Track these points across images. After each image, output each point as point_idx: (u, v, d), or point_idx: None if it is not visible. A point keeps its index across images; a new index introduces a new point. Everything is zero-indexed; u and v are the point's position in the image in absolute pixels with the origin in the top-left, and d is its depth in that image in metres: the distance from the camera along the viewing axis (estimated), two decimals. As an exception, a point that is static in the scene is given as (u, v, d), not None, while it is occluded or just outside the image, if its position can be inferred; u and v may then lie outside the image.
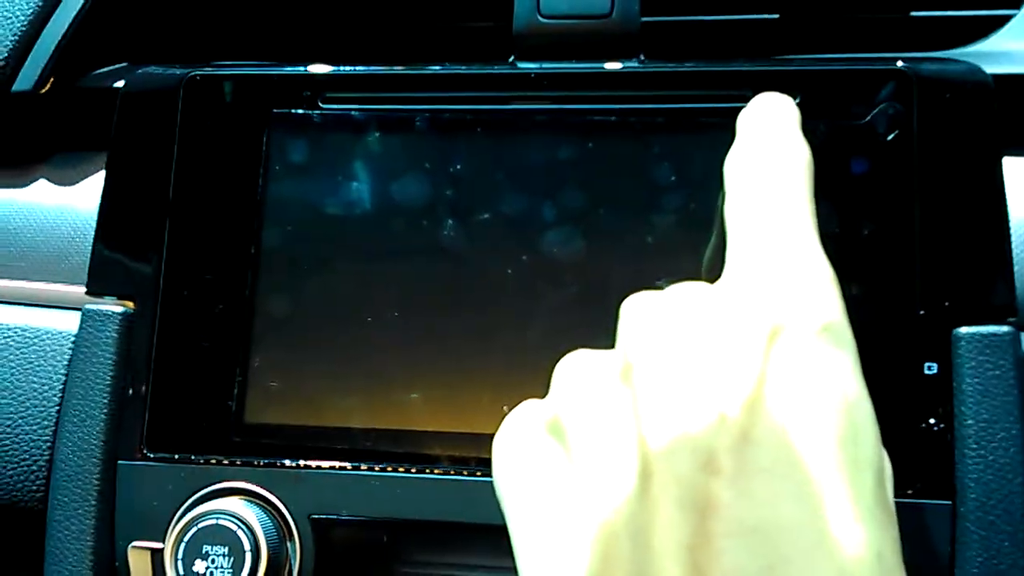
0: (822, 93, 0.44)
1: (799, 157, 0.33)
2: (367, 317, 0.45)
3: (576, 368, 0.31)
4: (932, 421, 0.41)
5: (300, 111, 0.48)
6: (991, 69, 0.45)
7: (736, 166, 0.34)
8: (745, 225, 0.32)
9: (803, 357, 0.28)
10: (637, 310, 0.31)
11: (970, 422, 0.40)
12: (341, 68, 0.49)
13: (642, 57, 0.49)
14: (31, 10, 0.54)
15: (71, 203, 0.53)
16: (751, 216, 0.32)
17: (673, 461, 0.27)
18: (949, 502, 0.40)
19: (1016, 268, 0.43)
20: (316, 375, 0.45)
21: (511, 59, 0.50)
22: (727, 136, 0.36)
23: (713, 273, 0.38)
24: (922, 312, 0.42)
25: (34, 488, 0.48)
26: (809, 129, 0.43)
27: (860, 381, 0.29)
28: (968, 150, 0.43)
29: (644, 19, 0.49)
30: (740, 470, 0.27)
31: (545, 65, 0.48)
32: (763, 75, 0.45)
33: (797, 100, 0.43)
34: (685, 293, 0.31)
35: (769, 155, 0.33)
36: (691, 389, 0.28)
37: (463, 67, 0.48)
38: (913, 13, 0.52)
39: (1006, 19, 0.50)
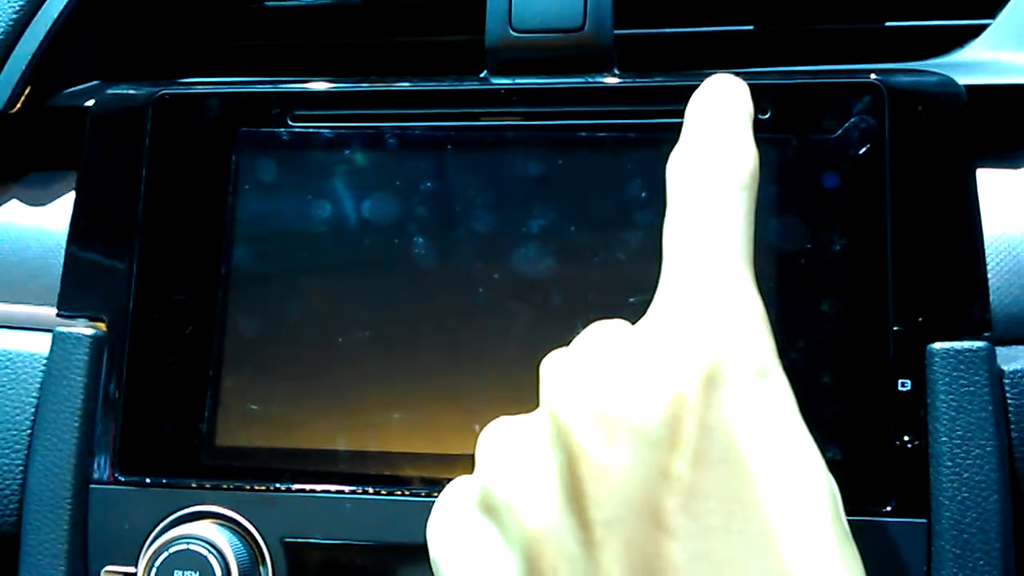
0: (793, 107, 0.44)
1: (742, 167, 0.31)
2: (338, 337, 0.45)
3: (501, 438, 0.30)
4: (906, 438, 0.41)
5: (269, 129, 0.47)
6: (966, 79, 0.45)
7: (677, 172, 0.32)
8: (677, 251, 0.30)
9: (741, 402, 0.27)
10: (558, 367, 0.30)
11: (944, 439, 0.40)
12: (310, 85, 0.48)
13: (616, 71, 0.49)
14: (1, 30, 0.53)
15: (43, 223, 0.53)
16: (684, 241, 0.30)
17: (620, 527, 0.26)
18: (924, 520, 0.40)
19: (991, 282, 0.43)
20: (287, 396, 0.45)
21: (483, 73, 0.50)
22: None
23: None
24: (895, 328, 0.41)
25: (7, 513, 0.48)
26: (780, 143, 0.43)
27: (799, 418, 0.28)
28: (941, 163, 0.43)
29: (617, 32, 0.49)
30: (692, 529, 0.25)
31: (517, 80, 0.48)
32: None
33: (767, 115, 0.44)
34: (607, 342, 0.29)
35: (711, 163, 0.31)
36: (629, 448, 0.26)
37: (434, 83, 0.48)
38: (888, 23, 0.51)
39: (981, 29, 0.49)
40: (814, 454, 0.27)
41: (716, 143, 0.32)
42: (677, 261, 0.30)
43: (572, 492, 0.27)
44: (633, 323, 0.31)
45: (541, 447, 0.28)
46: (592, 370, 0.28)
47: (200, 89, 0.49)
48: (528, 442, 0.29)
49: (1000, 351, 0.42)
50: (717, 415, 0.26)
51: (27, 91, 0.54)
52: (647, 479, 0.26)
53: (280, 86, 0.48)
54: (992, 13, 0.50)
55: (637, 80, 0.47)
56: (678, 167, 0.32)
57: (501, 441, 0.30)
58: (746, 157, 0.32)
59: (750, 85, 0.44)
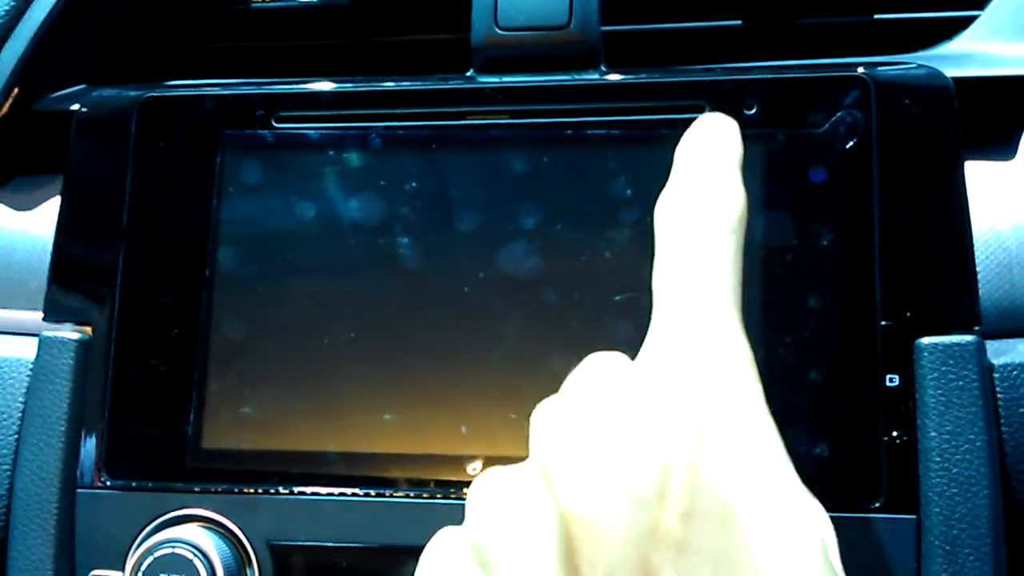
0: (780, 101, 0.43)
1: (730, 211, 0.31)
2: (324, 339, 0.45)
3: (492, 489, 0.29)
4: (895, 434, 0.40)
5: (253, 131, 0.47)
6: (955, 72, 0.44)
7: (666, 215, 0.32)
8: (666, 296, 0.30)
9: (729, 454, 0.27)
10: (549, 418, 0.29)
11: (933, 434, 0.40)
12: (294, 86, 0.48)
13: (603, 67, 0.48)
14: (-14, 34, 0.53)
15: (29, 227, 0.53)
16: (673, 286, 0.30)
17: None
18: (913, 516, 0.40)
19: (980, 275, 0.43)
20: (273, 399, 0.45)
21: (469, 72, 0.49)
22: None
23: None
24: (883, 323, 0.41)
25: (-6, 518, 0.48)
26: (767, 138, 0.43)
27: (786, 461, 0.28)
28: (929, 156, 0.42)
29: (604, 28, 0.49)
30: None
31: (503, 79, 0.47)
32: (720, 84, 0.44)
33: (753, 111, 0.43)
34: (597, 392, 0.29)
35: (699, 207, 0.31)
36: (620, 506, 0.26)
37: (419, 82, 0.47)
38: (876, 16, 0.51)
39: (970, 20, 0.49)
40: (802, 497, 0.27)
41: (704, 186, 0.32)
42: (666, 306, 0.30)
43: (565, 551, 0.27)
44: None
45: (532, 503, 0.28)
46: (582, 425, 0.28)
47: (185, 92, 0.49)
48: (520, 497, 0.29)
49: (990, 345, 0.41)
50: (705, 468, 0.26)
51: (13, 95, 0.54)
52: (639, 536, 0.26)
53: (264, 87, 0.48)
54: (981, 5, 0.49)
55: (624, 77, 0.46)
56: (667, 210, 0.32)
57: (492, 495, 0.29)
58: (734, 200, 0.32)
59: (736, 80, 0.44)
